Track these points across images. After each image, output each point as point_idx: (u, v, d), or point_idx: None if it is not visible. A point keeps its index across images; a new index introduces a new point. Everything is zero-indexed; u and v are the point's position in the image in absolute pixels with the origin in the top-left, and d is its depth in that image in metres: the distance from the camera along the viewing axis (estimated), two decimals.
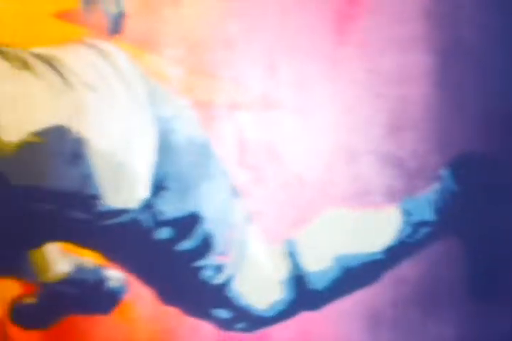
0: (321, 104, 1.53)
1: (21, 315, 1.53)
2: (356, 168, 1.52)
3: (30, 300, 1.53)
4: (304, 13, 1.54)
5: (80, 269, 1.53)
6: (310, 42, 1.53)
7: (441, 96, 1.59)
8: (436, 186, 1.58)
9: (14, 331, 1.53)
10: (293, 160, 1.52)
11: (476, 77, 1.63)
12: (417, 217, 1.52)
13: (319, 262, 1.52)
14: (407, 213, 1.54)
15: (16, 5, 1.52)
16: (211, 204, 1.48)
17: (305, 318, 1.52)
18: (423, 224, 1.54)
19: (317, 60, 1.53)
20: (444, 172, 1.58)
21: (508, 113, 1.63)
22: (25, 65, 1.45)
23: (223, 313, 1.49)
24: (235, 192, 1.49)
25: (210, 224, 1.47)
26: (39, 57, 1.47)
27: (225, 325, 1.50)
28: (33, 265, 1.53)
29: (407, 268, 1.55)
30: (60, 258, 1.53)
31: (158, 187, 1.46)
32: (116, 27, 1.48)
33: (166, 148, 1.47)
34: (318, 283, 1.51)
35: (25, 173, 1.44)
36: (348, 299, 1.53)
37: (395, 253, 1.52)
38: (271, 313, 1.50)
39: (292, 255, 1.51)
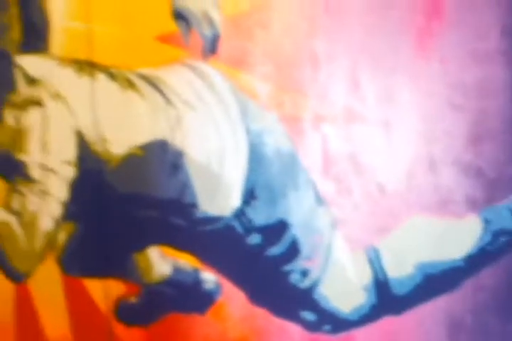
0: (403, 116, 1.54)
1: (125, 312, 1.59)
2: (437, 178, 1.53)
3: (133, 299, 1.59)
4: (387, 29, 1.55)
5: (178, 271, 1.58)
6: (392, 58, 1.54)
7: None
8: None
9: (118, 327, 1.59)
10: (375, 170, 1.54)
11: None
12: (497, 226, 1.53)
13: (401, 268, 1.55)
14: (487, 222, 1.53)
15: (121, 29, 1.59)
16: (298, 211, 1.52)
17: (387, 322, 1.53)
18: (503, 232, 1.54)
19: (399, 75, 1.54)
20: None
21: None
22: (130, 85, 1.54)
23: (310, 315, 1.52)
24: (320, 201, 1.52)
25: (297, 230, 1.51)
26: (143, 77, 1.55)
27: (312, 326, 1.53)
28: (136, 267, 1.60)
29: (486, 276, 1.55)
30: (161, 261, 1.59)
31: (249, 196, 1.51)
32: (211, 48, 1.53)
33: (256, 159, 1.52)
34: (400, 289, 1.53)
35: (130, 183, 1.51)
36: (429, 305, 1.54)
37: (475, 261, 1.51)
38: (354, 316, 1.52)
39: (375, 261, 1.54)
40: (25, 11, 1.69)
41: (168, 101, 1.54)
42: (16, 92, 1.55)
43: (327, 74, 1.54)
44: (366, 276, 1.55)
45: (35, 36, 1.67)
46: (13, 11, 1.67)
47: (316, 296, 1.53)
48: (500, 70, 1.59)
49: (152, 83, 1.56)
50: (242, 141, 1.53)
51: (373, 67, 1.56)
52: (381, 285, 1.54)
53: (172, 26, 1.57)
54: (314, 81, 1.54)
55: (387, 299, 1.54)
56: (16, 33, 1.67)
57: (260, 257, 1.54)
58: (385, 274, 1.54)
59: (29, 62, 1.61)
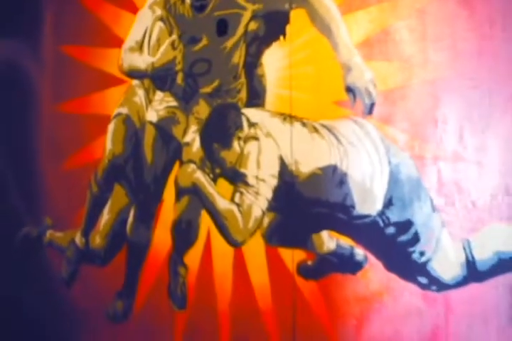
0: (490, 160, 1.71)
1: (304, 270, 1.88)
2: (510, 199, 1.70)
3: (310, 263, 1.88)
4: (483, 102, 1.67)
5: (340, 247, 1.85)
6: (486, 121, 1.69)
7: None
8: None
9: (299, 280, 1.89)
10: (470, 192, 1.72)
11: None
12: None
13: (484, 254, 1.71)
14: None
15: (312, 95, 1.88)
16: (420, 215, 1.75)
17: (473, 286, 1.72)
18: None
19: (489, 133, 1.70)
20: None
21: None
22: (316, 130, 1.82)
23: (424, 280, 1.75)
24: (434, 209, 1.75)
25: (419, 226, 1.75)
26: (324, 126, 1.83)
27: (424, 286, 1.75)
28: (313, 242, 1.87)
29: None
30: (329, 240, 1.86)
31: (388, 203, 1.77)
32: (369, 111, 1.80)
33: (394, 180, 1.77)
34: (482, 266, 1.71)
35: (312, 191, 1.80)
36: (500, 277, 1.69)
37: None
38: (452, 282, 1.73)
39: (467, 248, 1.73)
40: (250, 81, 1.97)
41: (339, 141, 1.80)
42: (241, 130, 1.85)
43: (443, 131, 1.75)
44: (461, 258, 1.72)
45: (255, 97, 1.96)
46: (243, 81, 1.97)
47: (428, 268, 1.74)
48: None
49: (329, 130, 1.83)
50: (385, 168, 1.77)
51: (473, 127, 1.72)
52: (470, 264, 1.71)
53: (344, 96, 1.83)
54: (434, 134, 1.75)
55: (473, 272, 1.71)
56: (243, 94, 1.98)
57: (393, 242, 1.76)
58: (473, 257, 1.71)
59: (251, 113, 1.91)
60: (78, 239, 2.20)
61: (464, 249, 1.73)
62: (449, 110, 1.75)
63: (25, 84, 2.27)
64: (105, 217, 2.16)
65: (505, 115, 1.70)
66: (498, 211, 1.70)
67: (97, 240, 2.17)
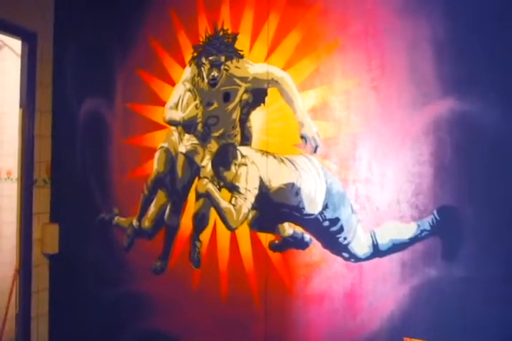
0: (388, 181, 1.54)
1: (273, 246, 1.79)
2: (400, 207, 1.55)
3: (277, 241, 1.78)
4: (390, 142, 1.56)
5: (295, 232, 1.75)
6: (388, 157, 1.55)
7: None
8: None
9: (269, 252, 1.79)
10: (375, 201, 1.60)
11: None
12: (422, 227, 1.51)
13: (383, 240, 1.56)
14: (418, 225, 1.53)
15: (280, 140, 1.75)
16: (344, 215, 1.65)
17: (376, 260, 1.61)
18: (425, 230, 1.52)
19: (389, 166, 1.54)
20: None
21: None
22: (282, 161, 1.73)
23: (346, 255, 1.66)
24: (353, 211, 1.65)
25: (344, 222, 1.66)
26: (287, 159, 1.74)
27: (346, 259, 1.66)
28: (279, 229, 1.78)
29: (419, 246, 1.50)
30: (289, 228, 1.76)
31: (324, 206, 1.67)
32: (315, 150, 1.71)
33: (328, 193, 1.68)
34: (382, 248, 1.60)
35: (279, 197, 1.70)
36: (394, 254, 1.54)
37: (413, 240, 1.54)
38: (363, 257, 1.64)
39: (373, 236, 1.63)
40: (243, 130, 1.86)
41: (296, 168, 1.71)
42: (237, 159, 1.76)
43: (359, 164, 1.64)
44: (369, 242, 1.62)
45: (246, 140, 1.86)
46: (238, 130, 1.87)
47: (349, 247, 1.65)
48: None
49: (290, 161, 1.73)
50: (323, 185, 1.68)
51: (377, 162, 1.61)
52: (375, 246, 1.62)
53: (300, 141, 1.73)
54: (353, 166, 1.65)
55: (376, 251, 1.61)
56: (238, 138, 1.87)
57: (328, 230, 1.67)
58: (377, 241, 1.62)
59: (243, 149, 1.81)
60: (135, 222, 2.10)
61: (371, 236, 1.63)
62: (362, 151, 1.65)
63: (104, 126, 2.17)
64: (152, 209, 2.06)
65: (397, 155, 1.60)
66: (392, 214, 1.59)
67: (146, 223, 2.06)
